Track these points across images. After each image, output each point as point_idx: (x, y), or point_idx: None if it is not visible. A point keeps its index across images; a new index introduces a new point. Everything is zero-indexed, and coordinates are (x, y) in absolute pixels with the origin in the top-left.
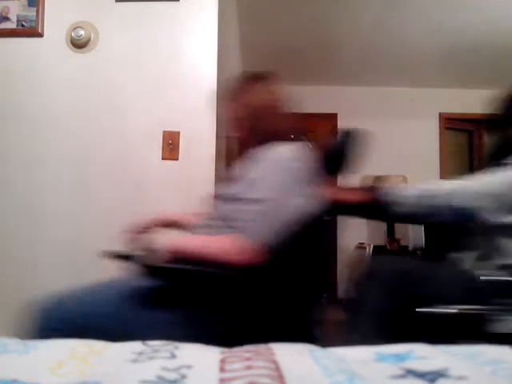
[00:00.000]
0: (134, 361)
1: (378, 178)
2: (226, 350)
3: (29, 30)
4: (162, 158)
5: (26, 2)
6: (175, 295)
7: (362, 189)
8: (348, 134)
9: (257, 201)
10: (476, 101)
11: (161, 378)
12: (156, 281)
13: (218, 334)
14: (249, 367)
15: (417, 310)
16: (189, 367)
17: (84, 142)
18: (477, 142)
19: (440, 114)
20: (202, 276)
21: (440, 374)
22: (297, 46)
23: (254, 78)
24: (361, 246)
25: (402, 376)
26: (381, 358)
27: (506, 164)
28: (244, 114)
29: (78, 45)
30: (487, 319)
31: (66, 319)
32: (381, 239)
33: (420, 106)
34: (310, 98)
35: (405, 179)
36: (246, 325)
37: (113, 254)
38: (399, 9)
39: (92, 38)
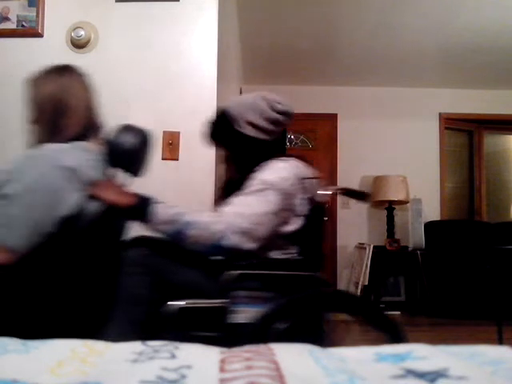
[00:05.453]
0: (134, 361)
1: (378, 178)
2: (226, 349)
3: (29, 30)
4: (162, 158)
5: (26, 2)
6: None
7: (130, 193)
8: (124, 130)
9: (9, 197)
10: (476, 101)
11: (161, 378)
12: None
13: None
14: (249, 367)
15: (168, 303)
16: (189, 367)
17: None
18: (476, 141)
19: (440, 114)
20: None
21: (440, 374)
22: (297, 46)
23: (51, 70)
24: (361, 246)
25: (402, 376)
26: (381, 358)
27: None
28: (35, 105)
29: (78, 45)
30: (228, 311)
31: None
32: (381, 239)
33: (420, 105)
34: (309, 98)
35: (405, 179)
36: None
37: None
38: (399, 9)
39: (92, 38)
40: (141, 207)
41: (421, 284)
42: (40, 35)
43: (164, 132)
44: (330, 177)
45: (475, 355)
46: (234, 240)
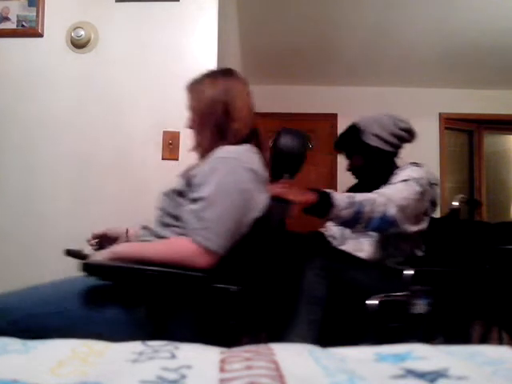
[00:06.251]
0: (134, 361)
1: None
2: (226, 350)
3: (29, 30)
4: (162, 158)
5: (26, 2)
6: (129, 294)
7: (308, 190)
8: (287, 133)
9: (205, 199)
10: (476, 101)
11: (161, 378)
12: (106, 280)
13: (178, 335)
14: (249, 367)
15: (367, 302)
16: (189, 367)
17: (84, 141)
18: (477, 141)
19: (440, 114)
20: (152, 276)
21: (440, 374)
22: (297, 46)
23: (213, 74)
24: None
25: (402, 376)
26: (381, 358)
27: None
28: (200, 109)
29: (78, 45)
30: (408, 303)
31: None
32: None
33: (420, 105)
34: (310, 98)
35: None
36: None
37: (69, 252)
38: (399, 9)
39: (92, 38)
40: (324, 201)
41: None
42: (40, 35)
43: (164, 132)
44: (331, 177)
45: (475, 355)
46: (394, 212)
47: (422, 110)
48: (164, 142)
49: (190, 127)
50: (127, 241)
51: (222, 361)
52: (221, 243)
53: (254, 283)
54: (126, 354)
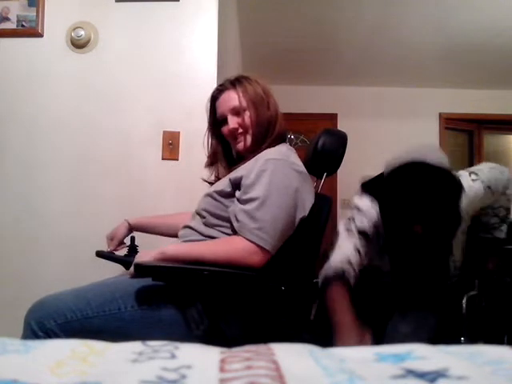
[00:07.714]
0: (134, 361)
1: None
2: (226, 349)
3: (29, 30)
4: (162, 158)
5: (26, 2)
6: (183, 294)
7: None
8: (327, 135)
9: (258, 200)
10: (476, 101)
11: (161, 378)
12: (158, 281)
13: (226, 336)
14: (249, 367)
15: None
16: (189, 367)
17: (84, 142)
18: (477, 142)
19: (440, 114)
20: (206, 276)
21: (440, 374)
22: (297, 47)
23: (245, 76)
24: None
25: (402, 376)
26: (381, 358)
27: None
28: (257, 108)
29: (78, 45)
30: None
31: (53, 321)
32: None
33: (420, 105)
34: (309, 98)
35: None
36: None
37: (103, 255)
38: (399, 9)
39: (92, 38)
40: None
41: None
42: (40, 35)
43: (164, 132)
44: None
45: (475, 355)
46: None
47: (421, 110)
48: (164, 141)
49: (240, 127)
50: (131, 228)
51: (222, 361)
52: (273, 243)
53: (300, 282)
54: (126, 353)
